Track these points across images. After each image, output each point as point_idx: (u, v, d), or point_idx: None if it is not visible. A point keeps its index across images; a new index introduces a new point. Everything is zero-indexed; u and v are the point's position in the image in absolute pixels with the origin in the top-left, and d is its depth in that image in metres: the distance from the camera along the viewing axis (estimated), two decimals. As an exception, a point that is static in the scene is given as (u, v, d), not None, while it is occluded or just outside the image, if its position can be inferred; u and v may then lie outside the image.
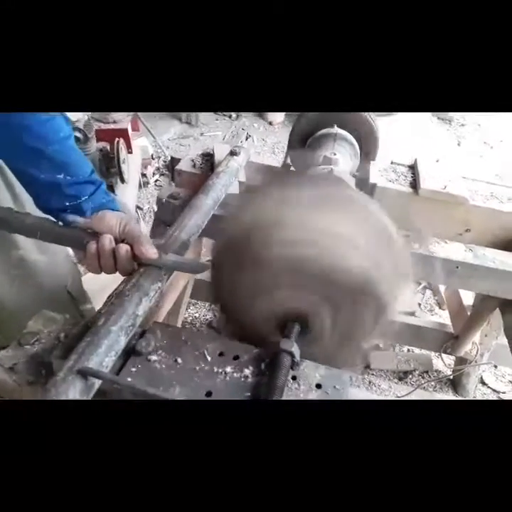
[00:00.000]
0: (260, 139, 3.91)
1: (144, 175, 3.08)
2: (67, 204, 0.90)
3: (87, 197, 0.90)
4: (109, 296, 0.84)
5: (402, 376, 2.02)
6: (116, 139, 2.46)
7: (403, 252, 0.88)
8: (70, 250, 1.39)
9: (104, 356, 0.69)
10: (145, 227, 2.58)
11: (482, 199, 1.45)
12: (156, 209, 1.47)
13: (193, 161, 1.49)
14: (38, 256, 1.21)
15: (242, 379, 0.77)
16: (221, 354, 0.81)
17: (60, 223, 0.93)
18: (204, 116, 4.01)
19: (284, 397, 0.73)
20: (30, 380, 0.77)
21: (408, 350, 2.13)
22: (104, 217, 0.91)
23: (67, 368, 0.65)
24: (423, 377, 2.03)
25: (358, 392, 0.86)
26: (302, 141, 1.51)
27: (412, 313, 2.26)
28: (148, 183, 3.12)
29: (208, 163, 1.48)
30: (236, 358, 0.80)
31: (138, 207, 2.89)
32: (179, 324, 1.59)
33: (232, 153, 1.34)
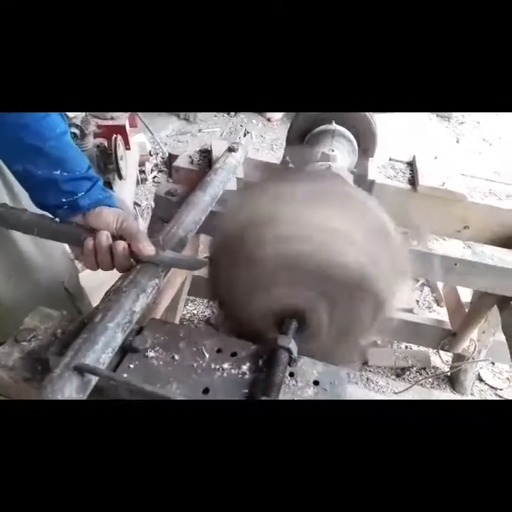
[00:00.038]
0: (259, 135, 3.90)
1: (141, 171, 3.07)
2: (64, 200, 0.89)
3: (83, 193, 0.90)
4: (106, 293, 0.83)
5: (400, 373, 2.03)
6: (114, 135, 2.46)
7: (401, 249, 0.88)
8: (67, 247, 1.39)
9: (100, 353, 0.69)
10: (143, 224, 2.58)
11: (480, 196, 1.45)
12: (153, 205, 1.46)
13: (190, 157, 1.49)
14: (35, 252, 1.21)
15: (240, 376, 0.77)
16: (219, 351, 0.80)
17: (57, 219, 0.93)
18: (202, 113, 4.00)
19: (282, 394, 0.73)
20: (26, 377, 0.77)
21: (406, 346, 2.13)
22: (101, 214, 0.91)
23: (64, 365, 0.65)
24: (421, 374, 2.04)
25: (356, 390, 0.86)
26: (300, 138, 1.51)
27: (410, 310, 2.26)
28: (146, 179, 3.11)
29: (206, 160, 1.47)
30: (233, 354, 0.80)
31: (136, 203, 2.88)
32: (177, 321, 1.59)
33: (230, 150, 1.33)
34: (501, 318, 1.50)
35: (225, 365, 0.78)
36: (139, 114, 3.15)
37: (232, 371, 0.77)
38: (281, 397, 0.73)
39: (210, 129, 3.90)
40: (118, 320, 0.74)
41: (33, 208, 0.95)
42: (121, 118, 2.68)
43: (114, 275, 0.89)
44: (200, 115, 3.98)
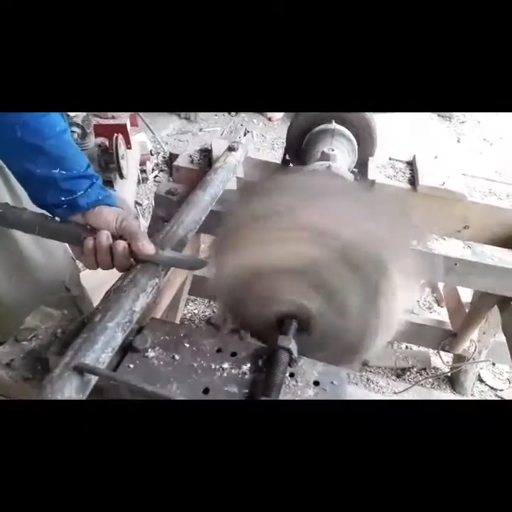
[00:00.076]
0: (260, 134, 3.90)
1: (143, 171, 3.07)
2: (63, 199, 0.89)
3: (82, 192, 0.89)
4: (106, 292, 0.83)
5: (400, 373, 2.03)
6: (115, 134, 2.46)
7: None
8: (67, 246, 1.39)
9: (100, 352, 0.69)
10: (144, 223, 2.58)
11: (480, 196, 1.45)
12: (154, 205, 1.46)
13: (190, 156, 1.49)
14: (36, 251, 1.21)
15: (240, 376, 0.77)
16: (219, 350, 0.81)
17: (57, 219, 0.93)
18: (203, 112, 4.00)
19: (282, 394, 0.73)
20: (26, 377, 0.77)
21: (406, 347, 2.13)
22: (101, 213, 0.91)
23: (64, 364, 0.65)
24: (421, 375, 2.03)
25: (356, 390, 0.86)
26: (300, 137, 1.51)
27: (411, 311, 2.26)
28: (147, 178, 3.11)
29: (206, 159, 1.47)
30: (234, 354, 0.80)
31: (137, 202, 2.88)
32: (178, 320, 1.59)
33: (230, 149, 1.33)
34: (502, 318, 1.49)
35: (225, 365, 0.78)
36: (140, 113, 3.15)
37: (232, 371, 0.77)
38: (282, 397, 0.73)
39: (210, 128, 3.90)
40: (118, 320, 0.74)
41: (34, 207, 0.95)
42: (123, 117, 2.68)
43: (115, 274, 0.89)
44: (201, 114, 3.98)
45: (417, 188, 1.42)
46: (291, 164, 1.58)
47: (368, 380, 1.96)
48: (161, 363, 0.77)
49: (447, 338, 1.77)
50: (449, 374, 2.00)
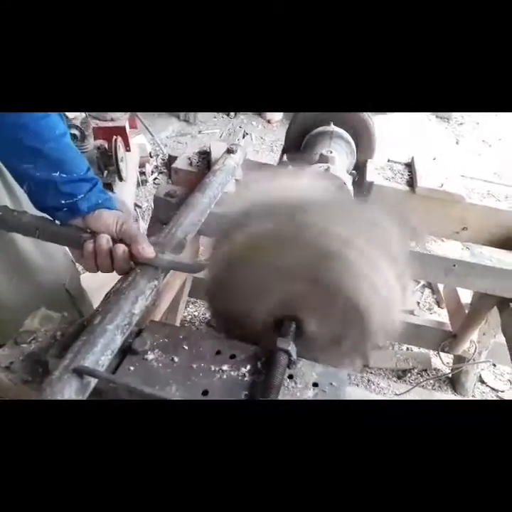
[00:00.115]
0: (259, 137, 3.90)
1: (142, 173, 3.07)
2: (63, 202, 0.89)
3: (82, 195, 0.90)
4: (106, 295, 0.84)
5: (401, 374, 2.03)
6: (114, 136, 2.46)
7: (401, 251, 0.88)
8: (67, 249, 1.39)
9: (100, 355, 0.69)
10: (143, 226, 2.58)
11: (479, 197, 1.45)
12: (153, 207, 1.47)
13: (189, 159, 1.49)
14: (36, 254, 1.21)
15: (239, 378, 0.77)
16: (218, 353, 0.81)
17: (57, 222, 0.93)
18: (202, 114, 4.00)
19: (281, 396, 0.73)
20: (26, 379, 0.77)
21: (407, 348, 2.13)
22: (101, 216, 0.91)
23: (63, 367, 0.65)
24: (422, 376, 2.03)
25: (356, 391, 0.86)
26: (299, 139, 1.51)
27: (411, 312, 2.26)
28: (146, 181, 3.11)
29: (205, 161, 1.47)
30: (233, 356, 0.80)
31: (136, 205, 2.89)
32: (178, 323, 1.59)
33: (229, 151, 1.33)
34: (501, 319, 1.49)
35: (224, 367, 0.78)
36: (139, 115, 3.15)
37: (232, 373, 0.77)
38: (281, 399, 0.73)
39: (209, 131, 3.90)
40: (117, 322, 0.74)
41: (33, 210, 0.95)
42: (121, 119, 2.68)
43: (115, 277, 0.89)
44: (200, 116, 3.99)
45: (415, 190, 1.42)
46: (289, 166, 1.58)
47: (368, 381, 1.96)
48: (160, 365, 0.77)
49: (447, 339, 1.77)
50: (450, 375, 2.00)
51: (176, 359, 0.78)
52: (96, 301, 1.41)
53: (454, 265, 1.27)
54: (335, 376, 0.78)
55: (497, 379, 2.06)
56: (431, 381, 2.02)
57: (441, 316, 2.26)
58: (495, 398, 1.98)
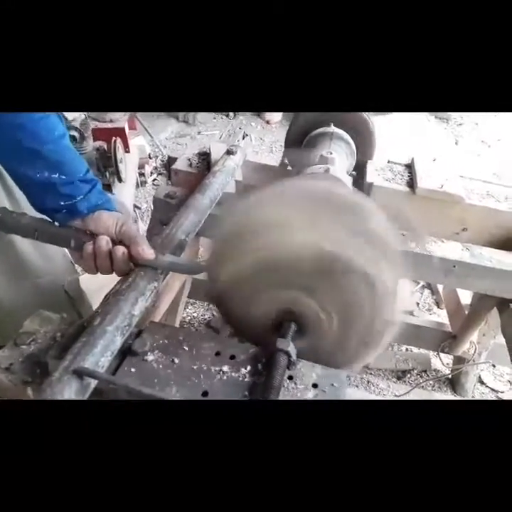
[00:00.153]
0: (258, 138, 3.91)
1: (141, 174, 3.07)
2: (62, 204, 0.89)
3: (82, 197, 0.90)
4: (105, 296, 0.83)
5: (401, 375, 2.02)
6: (114, 138, 2.46)
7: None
8: (66, 250, 1.39)
9: (100, 356, 0.69)
10: (143, 227, 2.58)
11: (478, 198, 1.45)
12: (152, 208, 1.47)
13: (189, 160, 1.49)
14: (35, 255, 1.21)
15: (239, 379, 0.77)
16: (218, 354, 0.80)
17: (56, 223, 0.93)
18: (201, 115, 4.01)
19: (281, 397, 0.73)
20: (26, 380, 0.77)
21: (406, 349, 2.13)
22: (101, 218, 0.91)
23: (63, 368, 0.65)
24: (421, 377, 2.03)
25: (356, 392, 0.86)
26: (299, 140, 1.51)
27: (411, 313, 2.26)
28: (145, 182, 3.11)
29: (205, 163, 1.47)
30: (232, 357, 0.80)
31: (136, 206, 2.89)
32: (177, 324, 1.59)
33: (229, 153, 1.33)
34: (501, 320, 1.49)
35: (224, 368, 0.78)
36: (139, 116, 3.16)
37: (231, 374, 0.77)
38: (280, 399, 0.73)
39: (209, 132, 3.90)
40: (117, 323, 0.74)
41: (32, 211, 0.95)
42: (121, 121, 2.69)
43: (115, 278, 0.89)
44: (200, 117, 3.99)
45: (415, 191, 1.42)
46: (289, 167, 1.58)
47: (368, 382, 1.95)
48: (160, 366, 0.77)
49: (447, 340, 1.77)
50: (450, 376, 2.00)
51: (175, 360, 0.78)
52: (95, 303, 1.41)
53: (454, 266, 1.27)
54: (335, 377, 0.78)
55: (497, 380, 2.06)
56: (430, 382, 2.02)
57: (441, 316, 2.26)
58: (495, 399, 1.98)
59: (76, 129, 2.25)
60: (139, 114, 3.16)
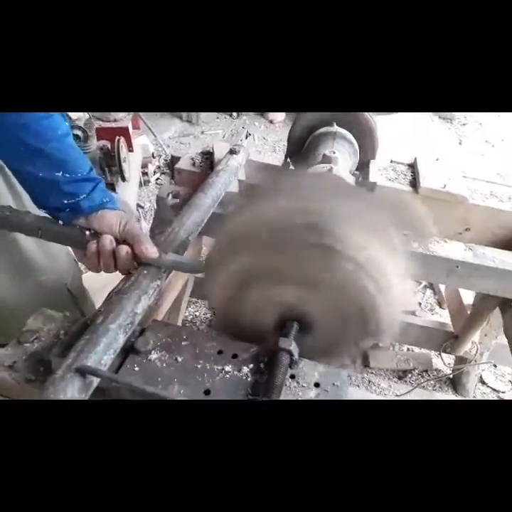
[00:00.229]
0: (261, 137, 3.90)
1: (144, 173, 3.07)
2: (66, 202, 0.89)
3: (85, 195, 0.90)
4: (108, 295, 0.84)
5: (402, 375, 2.02)
6: (117, 137, 2.46)
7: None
8: (70, 248, 1.39)
9: (102, 354, 0.69)
10: (146, 226, 2.59)
11: (482, 198, 1.45)
12: (156, 207, 1.47)
13: (192, 159, 1.49)
14: (38, 254, 1.21)
15: (241, 377, 0.77)
16: (220, 352, 0.81)
17: (60, 222, 0.93)
18: (205, 115, 4.01)
19: (283, 396, 0.73)
20: (29, 378, 0.77)
21: (408, 349, 2.13)
22: (104, 217, 0.91)
23: (66, 366, 0.65)
24: (423, 377, 2.03)
25: (357, 392, 0.86)
26: (302, 140, 1.51)
27: (413, 313, 2.26)
28: (149, 181, 3.12)
29: (208, 162, 1.48)
30: (235, 356, 0.80)
31: (139, 205, 2.89)
32: (179, 323, 1.60)
33: (232, 152, 1.34)
34: (503, 320, 1.49)
35: (226, 367, 0.78)
36: (142, 116, 3.16)
37: (234, 373, 0.78)
38: (283, 399, 0.73)
39: (212, 131, 3.90)
40: (120, 321, 0.74)
41: (37, 210, 0.96)
42: (124, 120, 2.69)
43: (118, 276, 0.90)
44: (203, 117, 3.99)
45: (418, 191, 1.42)
46: (292, 167, 1.58)
47: (369, 382, 1.95)
48: (163, 364, 0.78)
49: (449, 340, 1.77)
50: (451, 376, 2.00)
51: (178, 358, 0.78)
52: (98, 301, 1.41)
53: (457, 266, 1.27)
54: (337, 376, 0.79)
55: (498, 380, 2.06)
56: (432, 382, 2.02)
57: (443, 316, 2.26)
58: (496, 399, 1.98)
59: (80, 128, 2.25)
60: (142, 114, 3.15)
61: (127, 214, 0.94)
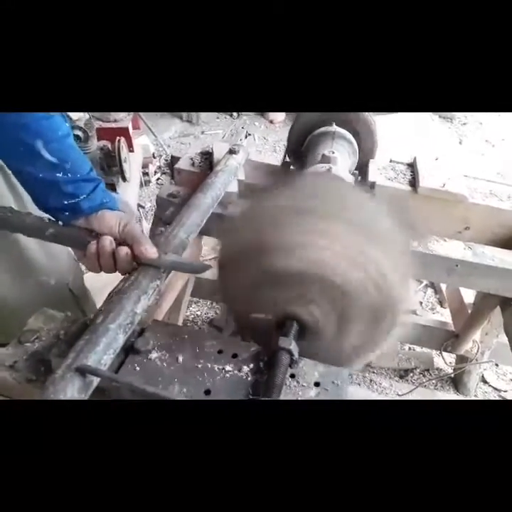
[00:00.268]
0: (261, 137, 3.91)
1: (145, 173, 3.08)
2: (66, 203, 0.90)
3: (85, 196, 0.90)
4: (109, 295, 0.84)
5: (403, 374, 2.02)
6: (118, 137, 2.47)
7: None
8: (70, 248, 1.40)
9: (102, 354, 0.69)
10: (147, 226, 2.59)
11: (481, 197, 1.45)
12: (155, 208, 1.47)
13: (192, 159, 1.49)
14: (40, 253, 1.21)
15: (241, 377, 0.77)
16: (220, 352, 0.81)
17: (60, 223, 0.93)
18: (205, 115, 4.01)
19: (283, 396, 0.73)
20: (29, 378, 0.78)
21: (409, 348, 2.13)
22: (104, 217, 0.92)
23: (66, 366, 0.66)
24: (424, 376, 2.03)
25: (358, 391, 0.86)
26: (301, 140, 1.51)
27: (414, 312, 2.26)
28: (149, 181, 3.12)
29: (207, 162, 1.48)
30: (235, 356, 0.81)
31: (140, 205, 2.90)
32: (180, 322, 1.60)
33: (231, 152, 1.34)
34: (504, 319, 1.49)
35: (227, 367, 0.78)
36: (142, 116, 3.16)
37: (234, 373, 0.78)
38: (283, 398, 0.73)
39: (212, 131, 3.91)
40: (119, 321, 0.74)
41: (38, 211, 0.96)
42: (125, 120, 2.69)
43: (119, 276, 0.90)
44: (203, 117, 3.99)
45: (417, 190, 1.42)
46: (291, 167, 1.58)
47: (370, 381, 1.95)
48: (163, 364, 0.78)
49: (450, 339, 1.77)
50: (453, 375, 2.00)
51: (177, 358, 0.79)
52: (99, 301, 1.41)
53: (457, 265, 1.27)
54: (337, 375, 0.79)
55: (499, 379, 2.06)
56: (433, 381, 2.02)
57: (444, 315, 2.26)
58: (497, 398, 1.98)
59: (80, 128, 2.25)
60: (142, 114, 3.16)
61: (127, 215, 0.95)
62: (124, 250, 0.87)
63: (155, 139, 3.38)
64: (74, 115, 2.26)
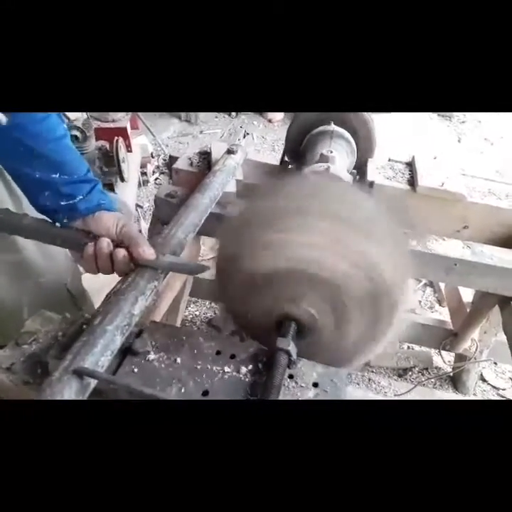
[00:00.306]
0: (260, 136, 3.90)
1: (143, 173, 3.07)
2: (63, 204, 0.89)
3: (82, 196, 0.90)
4: (106, 296, 0.84)
5: (402, 373, 2.02)
6: (116, 137, 2.46)
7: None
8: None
9: (99, 356, 0.69)
10: (145, 226, 2.59)
11: (480, 196, 1.45)
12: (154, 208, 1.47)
13: (190, 159, 1.49)
14: (38, 255, 1.21)
15: (240, 378, 0.77)
16: (218, 353, 0.81)
17: (57, 224, 0.93)
18: (203, 114, 4.00)
19: (281, 396, 0.73)
20: (26, 380, 0.77)
21: (408, 347, 2.13)
22: (101, 219, 0.91)
23: (63, 368, 0.65)
24: (423, 374, 2.03)
25: (356, 390, 0.86)
26: (300, 139, 1.51)
27: (413, 310, 2.26)
28: (148, 181, 3.12)
29: (205, 162, 1.47)
30: (233, 356, 0.80)
31: (138, 205, 2.89)
32: (178, 323, 1.59)
33: (229, 152, 1.33)
34: (502, 318, 1.49)
35: (225, 368, 0.78)
36: (141, 116, 3.16)
37: (232, 373, 0.78)
38: (281, 399, 0.73)
39: (211, 131, 3.90)
40: (117, 323, 0.74)
41: (35, 213, 0.96)
42: (123, 120, 2.69)
43: (117, 277, 0.90)
44: (202, 117, 3.99)
45: (416, 189, 1.42)
46: (290, 166, 1.58)
47: (369, 380, 1.95)
48: (161, 365, 0.78)
49: (448, 338, 1.77)
50: (451, 374, 2.00)
51: (175, 359, 0.79)
52: (97, 301, 1.41)
53: (456, 264, 1.27)
54: (335, 376, 0.79)
55: (498, 377, 2.06)
56: (432, 380, 2.02)
57: (443, 314, 2.26)
58: (496, 396, 1.98)
59: (78, 128, 2.25)
60: (141, 114, 3.15)
61: (124, 216, 0.94)
62: (121, 252, 0.87)
63: (153, 139, 3.37)
64: (72, 115, 2.26)
